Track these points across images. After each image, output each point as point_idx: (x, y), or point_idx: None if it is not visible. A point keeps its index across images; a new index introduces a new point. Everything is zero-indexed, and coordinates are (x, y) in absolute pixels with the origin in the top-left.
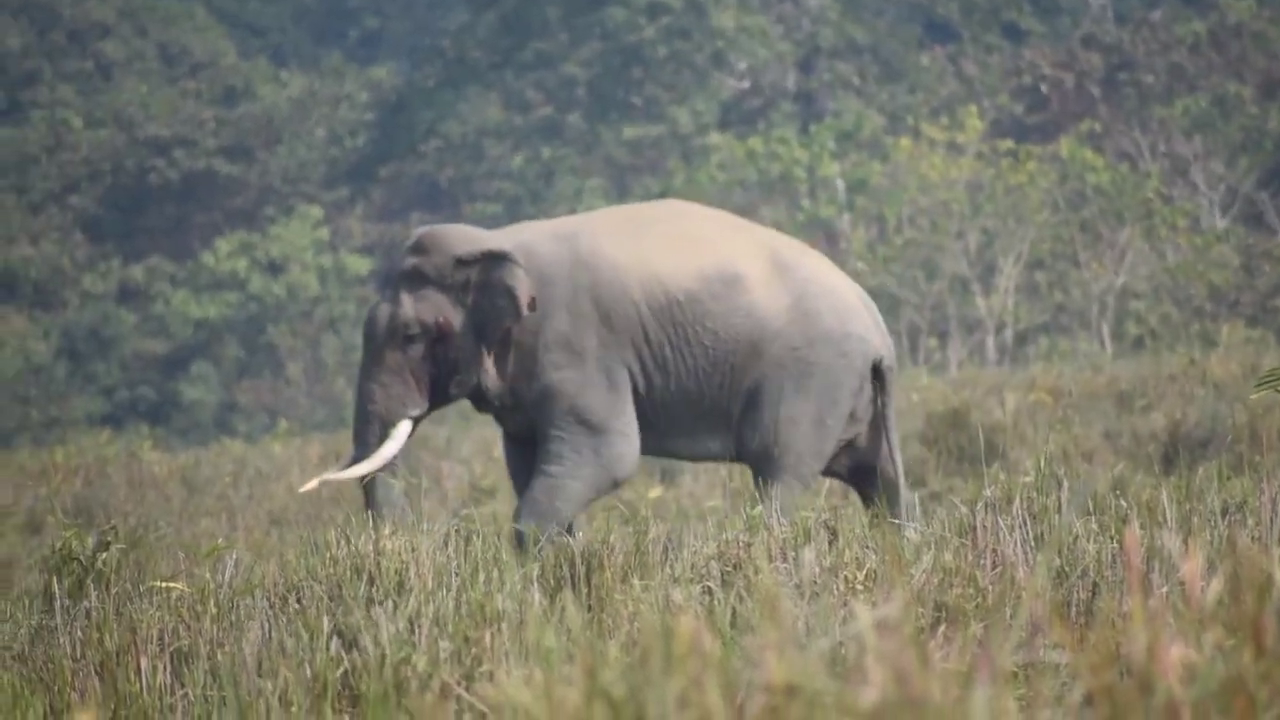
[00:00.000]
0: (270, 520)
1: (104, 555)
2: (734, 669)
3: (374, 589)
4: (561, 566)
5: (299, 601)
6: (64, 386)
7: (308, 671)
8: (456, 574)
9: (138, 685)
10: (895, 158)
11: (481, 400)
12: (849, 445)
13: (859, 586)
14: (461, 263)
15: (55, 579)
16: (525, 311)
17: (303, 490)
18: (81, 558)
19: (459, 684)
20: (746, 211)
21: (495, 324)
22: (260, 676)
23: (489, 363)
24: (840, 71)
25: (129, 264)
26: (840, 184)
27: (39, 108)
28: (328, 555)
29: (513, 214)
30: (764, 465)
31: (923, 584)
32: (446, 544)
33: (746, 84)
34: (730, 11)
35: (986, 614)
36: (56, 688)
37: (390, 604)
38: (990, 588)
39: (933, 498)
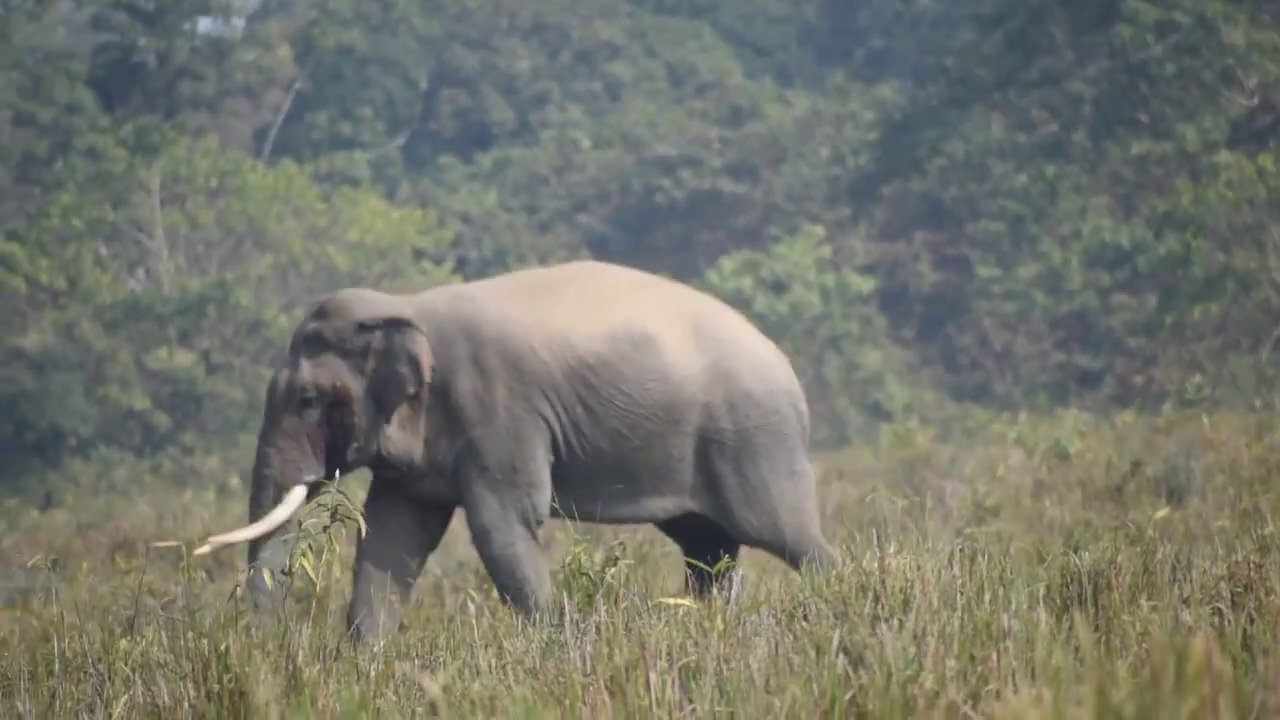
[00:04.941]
0: None
1: (612, 570)
2: (1246, 691)
3: (879, 606)
4: (1068, 586)
5: (805, 619)
6: None
7: (815, 689)
8: (962, 592)
9: (647, 700)
10: None
11: (384, 466)
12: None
13: None
14: (363, 328)
15: (565, 593)
16: (427, 379)
17: (197, 553)
18: (590, 573)
19: (965, 703)
20: (1254, 231)
21: (397, 391)
22: (768, 693)
23: (390, 430)
24: None
25: None
26: None
27: (548, 128)
28: (833, 572)
29: (1016, 233)
30: (780, 548)
31: None
32: (951, 562)
33: (1256, 101)
34: (1241, 28)
35: None
36: (568, 702)
37: (896, 622)
38: None
39: None
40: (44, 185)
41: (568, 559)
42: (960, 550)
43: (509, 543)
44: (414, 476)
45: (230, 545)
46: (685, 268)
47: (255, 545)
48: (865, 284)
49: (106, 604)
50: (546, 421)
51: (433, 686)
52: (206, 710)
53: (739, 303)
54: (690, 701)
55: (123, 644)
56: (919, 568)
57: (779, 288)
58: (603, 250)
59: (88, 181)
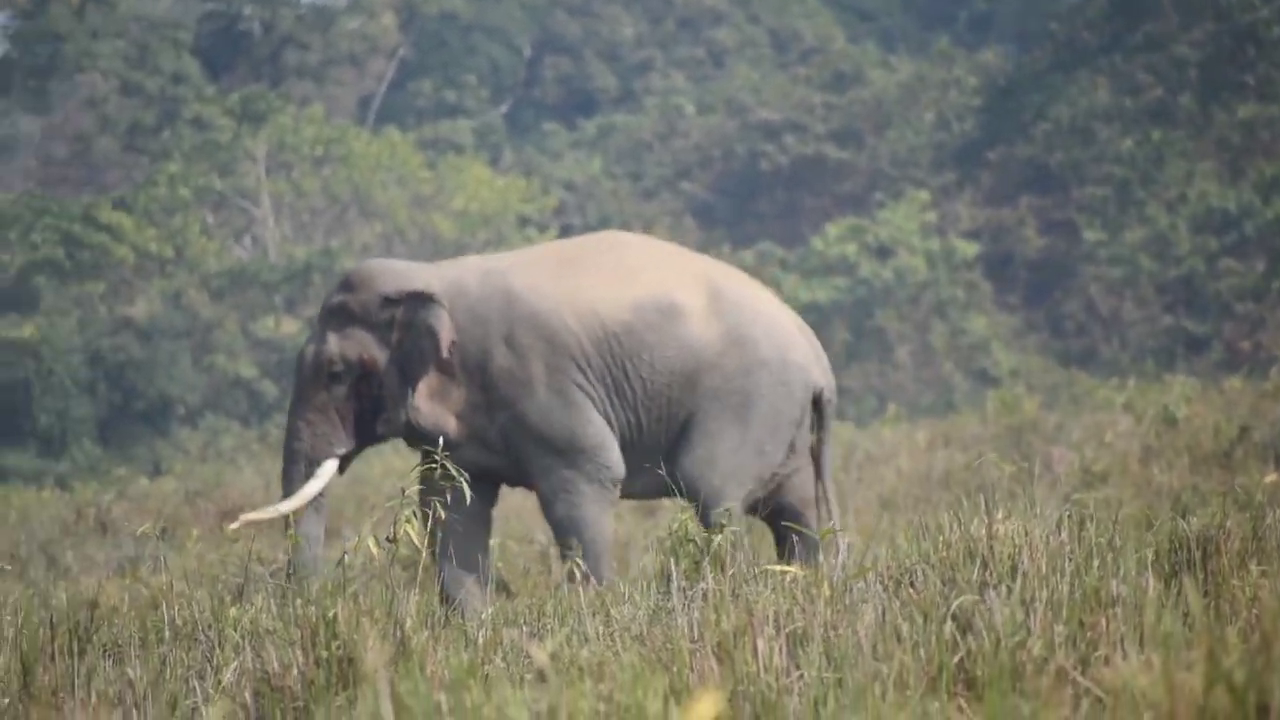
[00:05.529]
0: (880, 503)
1: (718, 538)
2: None
3: (987, 573)
4: (1177, 551)
5: (912, 585)
6: None
7: (922, 655)
8: (1070, 558)
9: (754, 666)
10: None
11: (415, 437)
12: (781, 479)
13: None
14: (388, 301)
15: (672, 561)
16: (446, 354)
17: (230, 529)
18: (697, 540)
19: (1074, 668)
20: None
21: (419, 364)
22: (875, 659)
23: (418, 401)
24: None
25: (739, 249)
26: None
27: (652, 94)
28: (940, 539)
29: (1122, 198)
30: (704, 492)
31: None
32: (1059, 528)
33: None
34: None
35: None
36: (675, 668)
37: (1004, 588)
38: None
39: None
40: (151, 154)
41: (674, 526)
42: (1068, 516)
43: (575, 504)
44: (449, 447)
45: (263, 521)
46: (789, 234)
47: (294, 520)
48: (970, 249)
49: (215, 572)
50: (584, 391)
51: (540, 654)
52: (315, 677)
53: (844, 269)
54: (798, 668)
55: (232, 611)
56: (1027, 534)
57: (884, 253)
58: (706, 217)
59: (194, 150)
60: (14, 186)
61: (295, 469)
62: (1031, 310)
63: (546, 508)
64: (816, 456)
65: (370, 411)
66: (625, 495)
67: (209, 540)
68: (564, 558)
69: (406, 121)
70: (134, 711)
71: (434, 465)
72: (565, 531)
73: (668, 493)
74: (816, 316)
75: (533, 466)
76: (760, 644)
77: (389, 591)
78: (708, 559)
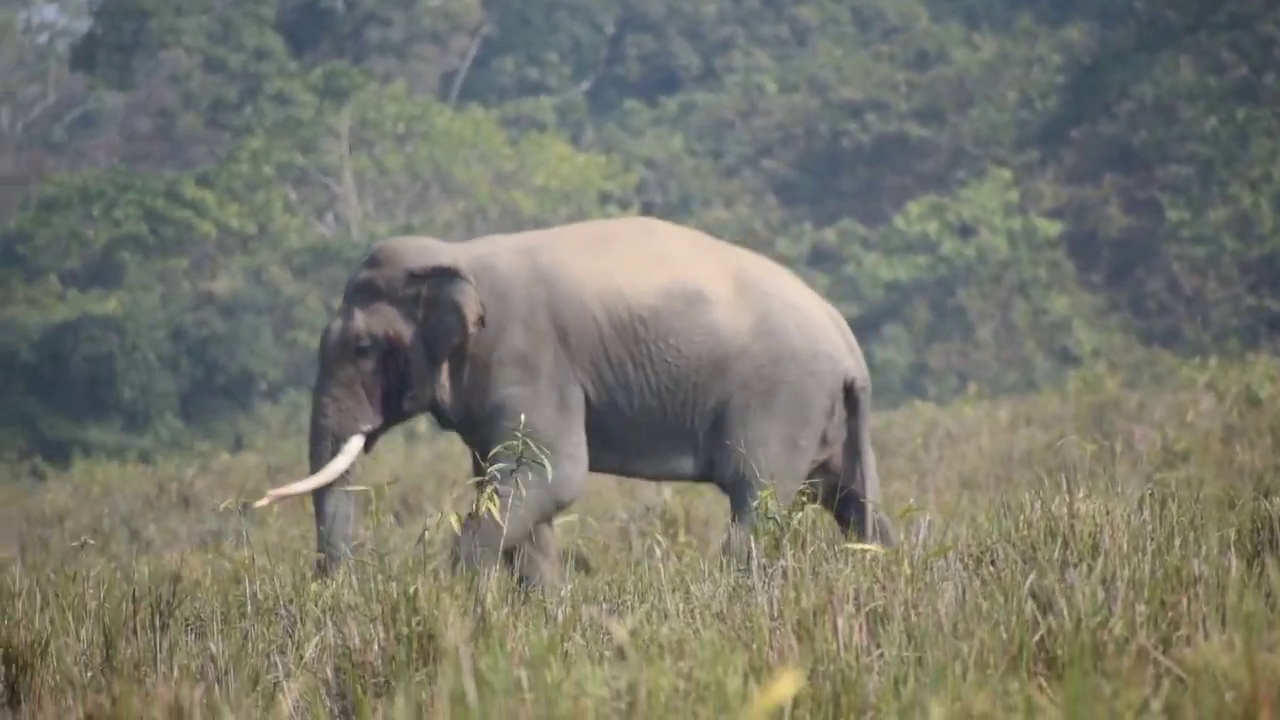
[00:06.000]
0: (961, 482)
1: (799, 515)
2: None
3: (1068, 552)
4: (1259, 531)
5: (993, 564)
6: None
7: (1003, 634)
8: (1151, 537)
9: (834, 644)
10: None
11: (441, 416)
12: (823, 469)
13: None
14: (414, 277)
15: (752, 538)
16: (472, 330)
17: (257, 506)
18: (778, 517)
19: (1156, 648)
20: None
21: (444, 340)
22: (955, 638)
23: (443, 378)
24: None
25: (820, 227)
26: None
27: (734, 72)
28: (1021, 517)
29: (1205, 177)
30: (736, 487)
31: None
32: (1141, 507)
33: None
34: None
35: None
36: (755, 646)
37: (1085, 567)
38: None
39: None
40: (233, 130)
41: (754, 504)
42: (1150, 495)
43: (517, 499)
44: (463, 427)
45: (288, 498)
46: (871, 212)
47: (320, 499)
48: (1053, 228)
49: (296, 547)
50: (586, 390)
51: (620, 630)
52: (396, 653)
53: (926, 247)
54: (878, 646)
55: (313, 587)
56: (1108, 512)
57: (966, 232)
58: (788, 195)
59: (276, 127)
60: (98, 162)
61: (322, 445)
62: (1114, 289)
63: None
64: (856, 443)
65: (397, 388)
66: (648, 477)
67: (290, 515)
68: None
69: (489, 98)
70: (216, 686)
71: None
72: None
73: (688, 477)
74: (898, 295)
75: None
76: (840, 622)
77: (469, 568)
78: (787, 537)
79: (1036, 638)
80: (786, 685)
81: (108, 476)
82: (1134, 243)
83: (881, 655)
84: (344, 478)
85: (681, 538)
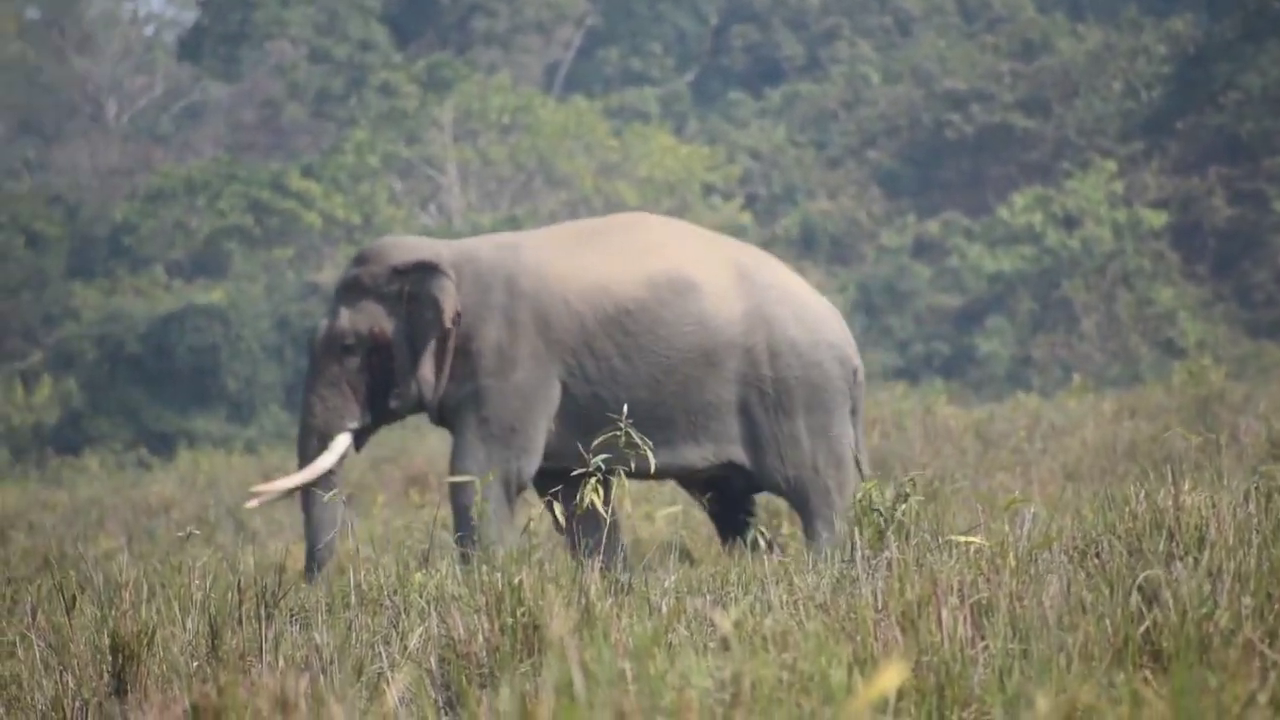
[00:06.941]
0: (1065, 474)
1: (903, 507)
2: None
3: (1174, 544)
4: None
5: (1098, 556)
6: (861, 340)
7: (1108, 626)
8: (1258, 530)
9: (939, 636)
10: None
11: (429, 412)
12: None
13: None
14: (397, 273)
15: (856, 529)
16: (449, 325)
17: (248, 507)
18: (881, 509)
19: (1262, 641)
20: None
21: (424, 335)
22: (1060, 631)
23: (425, 372)
24: None
25: (924, 218)
26: None
27: (838, 63)
28: (1126, 510)
29: None
30: (797, 493)
31: None
32: (1247, 500)
33: None
34: None
35: None
36: (859, 637)
37: (1191, 560)
38: None
39: None
40: (338, 121)
41: (858, 495)
42: (1256, 487)
43: (482, 499)
44: (447, 423)
45: (277, 495)
46: (975, 203)
47: (307, 501)
48: (1158, 219)
49: (401, 538)
50: (565, 384)
51: (724, 622)
52: (500, 643)
53: (1030, 238)
54: (982, 638)
55: (417, 577)
56: (1214, 505)
57: (1070, 223)
58: (891, 186)
59: (381, 118)
60: (204, 153)
61: (308, 443)
62: (1219, 281)
63: (454, 490)
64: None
65: (383, 385)
66: (658, 475)
67: (394, 506)
68: (458, 541)
69: (593, 89)
70: (321, 676)
71: (618, 432)
72: (463, 522)
73: (683, 471)
74: (1001, 287)
75: (460, 441)
76: (945, 614)
77: (574, 559)
78: (891, 528)
79: (1142, 630)
80: (891, 677)
81: (213, 467)
82: (1239, 234)
83: (986, 647)
84: (329, 476)
85: (785, 528)
